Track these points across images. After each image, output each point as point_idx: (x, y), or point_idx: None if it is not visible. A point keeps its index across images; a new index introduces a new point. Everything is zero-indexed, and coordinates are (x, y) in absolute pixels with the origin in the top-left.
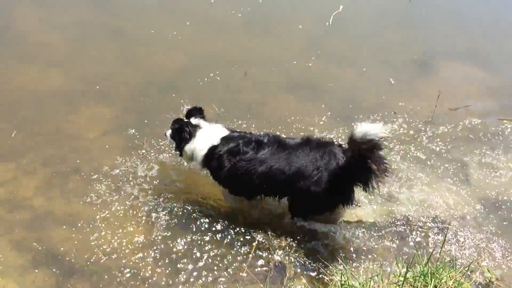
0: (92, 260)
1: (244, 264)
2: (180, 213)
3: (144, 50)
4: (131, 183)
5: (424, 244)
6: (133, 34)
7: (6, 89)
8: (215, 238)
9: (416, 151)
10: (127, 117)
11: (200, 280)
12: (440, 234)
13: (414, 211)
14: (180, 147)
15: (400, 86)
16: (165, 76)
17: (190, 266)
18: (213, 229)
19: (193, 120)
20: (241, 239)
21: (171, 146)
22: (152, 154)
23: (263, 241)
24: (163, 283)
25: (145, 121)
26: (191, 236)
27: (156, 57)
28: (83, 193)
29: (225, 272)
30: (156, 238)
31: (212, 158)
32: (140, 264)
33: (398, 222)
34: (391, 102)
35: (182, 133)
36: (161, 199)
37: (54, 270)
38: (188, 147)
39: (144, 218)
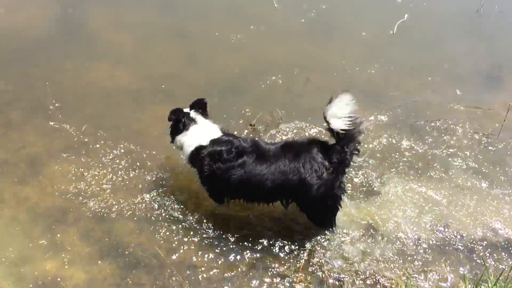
0: (155, 255)
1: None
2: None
3: (208, 52)
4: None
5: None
6: (198, 36)
7: (77, 85)
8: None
9: (480, 165)
10: None
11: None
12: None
13: (472, 226)
14: (172, 136)
15: (466, 97)
16: (227, 78)
17: (252, 270)
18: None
19: (192, 113)
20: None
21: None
22: None
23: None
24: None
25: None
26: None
27: (219, 59)
28: (149, 188)
29: None
30: (215, 236)
31: (196, 157)
32: (200, 263)
33: (456, 236)
34: (456, 113)
35: (177, 123)
36: None
37: (119, 261)
38: (178, 138)
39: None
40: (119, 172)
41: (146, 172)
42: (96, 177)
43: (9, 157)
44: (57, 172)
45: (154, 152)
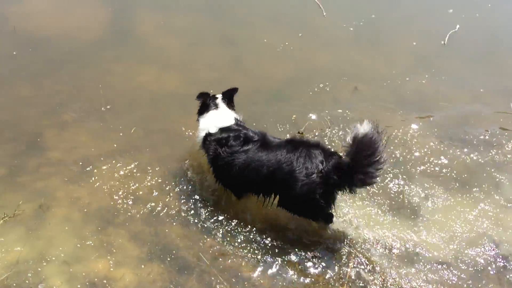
0: (201, 260)
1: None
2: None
3: (255, 58)
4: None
5: None
6: (245, 42)
7: (126, 88)
8: None
9: None
10: None
11: None
12: None
13: None
14: (197, 116)
15: None
16: (273, 85)
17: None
18: None
19: (219, 100)
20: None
21: None
22: None
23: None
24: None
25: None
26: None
27: (266, 65)
28: (197, 193)
29: None
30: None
31: (205, 142)
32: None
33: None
34: (508, 126)
35: (202, 105)
36: None
37: (167, 264)
38: (200, 119)
39: None
40: (167, 176)
41: (193, 176)
42: (145, 180)
43: (62, 157)
44: (108, 173)
45: (201, 156)
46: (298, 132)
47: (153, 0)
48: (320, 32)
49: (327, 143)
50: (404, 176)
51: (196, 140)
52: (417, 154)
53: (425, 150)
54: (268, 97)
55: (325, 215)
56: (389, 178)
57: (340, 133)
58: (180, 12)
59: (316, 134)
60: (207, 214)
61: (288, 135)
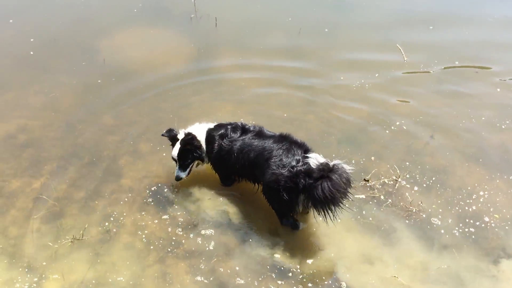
0: None
1: None
2: None
3: (328, 98)
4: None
5: None
6: (320, 83)
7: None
8: None
9: None
10: None
11: None
12: None
13: None
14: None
15: None
16: (346, 128)
17: None
18: None
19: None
20: None
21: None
22: None
23: None
24: None
25: None
26: None
27: (339, 107)
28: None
29: None
30: None
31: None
32: None
33: None
34: None
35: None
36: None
37: None
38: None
39: None
40: (233, 209)
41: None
42: (209, 216)
43: (133, 185)
44: (176, 204)
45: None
46: (364, 179)
47: (234, 40)
48: (399, 76)
49: (396, 194)
50: None
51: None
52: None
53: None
54: (340, 140)
55: (288, 216)
56: None
57: (409, 184)
58: (258, 53)
59: (385, 181)
60: (277, 258)
61: (358, 181)
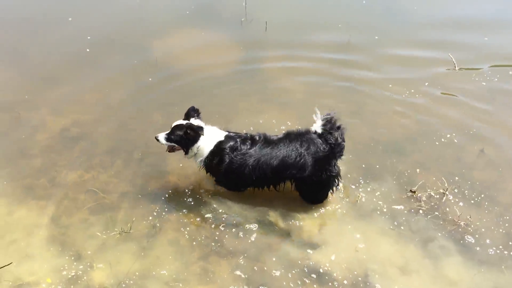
0: None
1: None
2: None
3: (376, 107)
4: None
5: None
6: (368, 90)
7: (247, 123)
8: None
9: None
10: (350, 169)
11: None
12: None
13: None
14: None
15: None
16: (393, 137)
17: None
18: None
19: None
20: None
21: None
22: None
23: None
24: None
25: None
26: None
27: (387, 115)
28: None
29: None
30: None
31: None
32: None
33: None
34: None
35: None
36: None
37: None
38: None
39: None
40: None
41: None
42: (251, 216)
43: (179, 182)
44: (219, 203)
45: None
46: (410, 191)
47: (283, 45)
48: (450, 86)
49: (442, 206)
50: None
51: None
52: None
53: None
54: (386, 149)
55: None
56: None
57: (457, 198)
58: (305, 57)
59: (431, 194)
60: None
61: (401, 193)
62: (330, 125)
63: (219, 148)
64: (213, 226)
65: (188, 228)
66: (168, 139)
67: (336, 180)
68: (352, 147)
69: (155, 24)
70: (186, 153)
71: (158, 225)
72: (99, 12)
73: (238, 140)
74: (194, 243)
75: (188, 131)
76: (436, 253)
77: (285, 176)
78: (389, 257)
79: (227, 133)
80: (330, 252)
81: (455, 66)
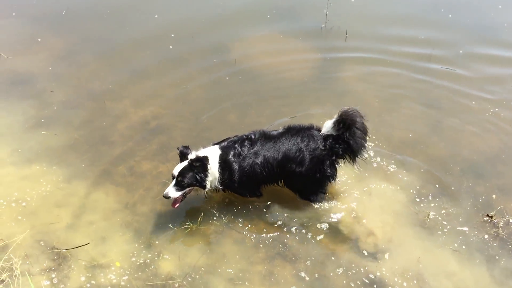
0: None
1: None
2: None
3: (456, 124)
4: None
5: None
6: (449, 106)
7: None
8: None
9: None
10: (424, 185)
11: None
12: None
13: None
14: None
15: None
16: (473, 157)
17: None
18: None
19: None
20: None
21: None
22: None
23: None
24: None
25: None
26: None
27: (468, 134)
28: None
29: None
30: None
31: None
32: None
33: None
34: None
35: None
36: None
37: None
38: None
39: None
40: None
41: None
42: (320, 221)
43: None
44: (288, 209)
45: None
46: (487, 215)
47: (362, 54)
48: None
49: None
50: None
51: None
52: None
53: None
54: (464, 169)
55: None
56: None
57: None
58: (384, 69)
59: (510, 221)
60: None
61: (473, 217)
62: (343, 124)
63: (224, 161)
64: (280, 229)
65: (255, 229)
66: (180, 187)
67: (331, 179)
68: (428, 163)
69: (236, 25)
70: (205, 187)
71: (226, 222)
72: (184, 11)
73: (236, 145)
74: (260, 244)
75: (195, 164)
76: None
77: (287, 169)
78: (468, 281)
79: (217, 145)
80: (393, 264)
81: None
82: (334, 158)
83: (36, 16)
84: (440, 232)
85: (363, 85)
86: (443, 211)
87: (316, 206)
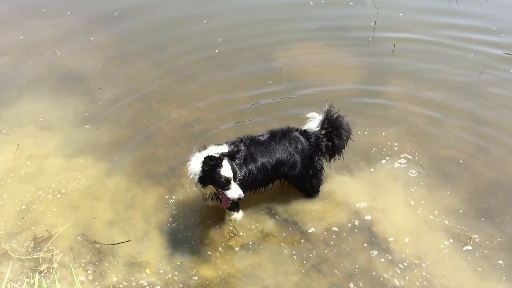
0: None
1: None
2: None
3: (505, 147)
4: None
5: None
6: (497, 128)
7: (365, 142)
8: None
9: None
10: (466, 208)
11: None
12: None
13: None
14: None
15: None
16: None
17: None
18: None
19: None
20: None
21: None
22: None
23: None
24: None
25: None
26: None
27: None
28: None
29: None
30: None
31: None
32: None
33: None
34: None
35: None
36: None
37: None
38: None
39: None
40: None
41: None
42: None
43: (290, 191)
44: (327, 223)
45: None
46: None
47: (409, 69)
48: None
49: None
50: None
51: None
52: None
53: None
54: (509, 194)
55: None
56: None
57: None
58: (432, 86)
59: None
60: None
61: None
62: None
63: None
64: (318, 244)
65: (293, 241)
66: (239, 183)
67: (323, 171)
68: (467, 187)
69: (283, 34)
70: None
71: (263, 231)
72: (231, 18)
73: (239, 152)
74: (296, 257)
75: (236, 156)
76: None
77: (280, 173)
78: None
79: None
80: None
81: None
82: (319, 153)
83: (90, 16)
84: (491, 260)
85: (407, 102)
86: (494, 239)
87: (355, 221)
